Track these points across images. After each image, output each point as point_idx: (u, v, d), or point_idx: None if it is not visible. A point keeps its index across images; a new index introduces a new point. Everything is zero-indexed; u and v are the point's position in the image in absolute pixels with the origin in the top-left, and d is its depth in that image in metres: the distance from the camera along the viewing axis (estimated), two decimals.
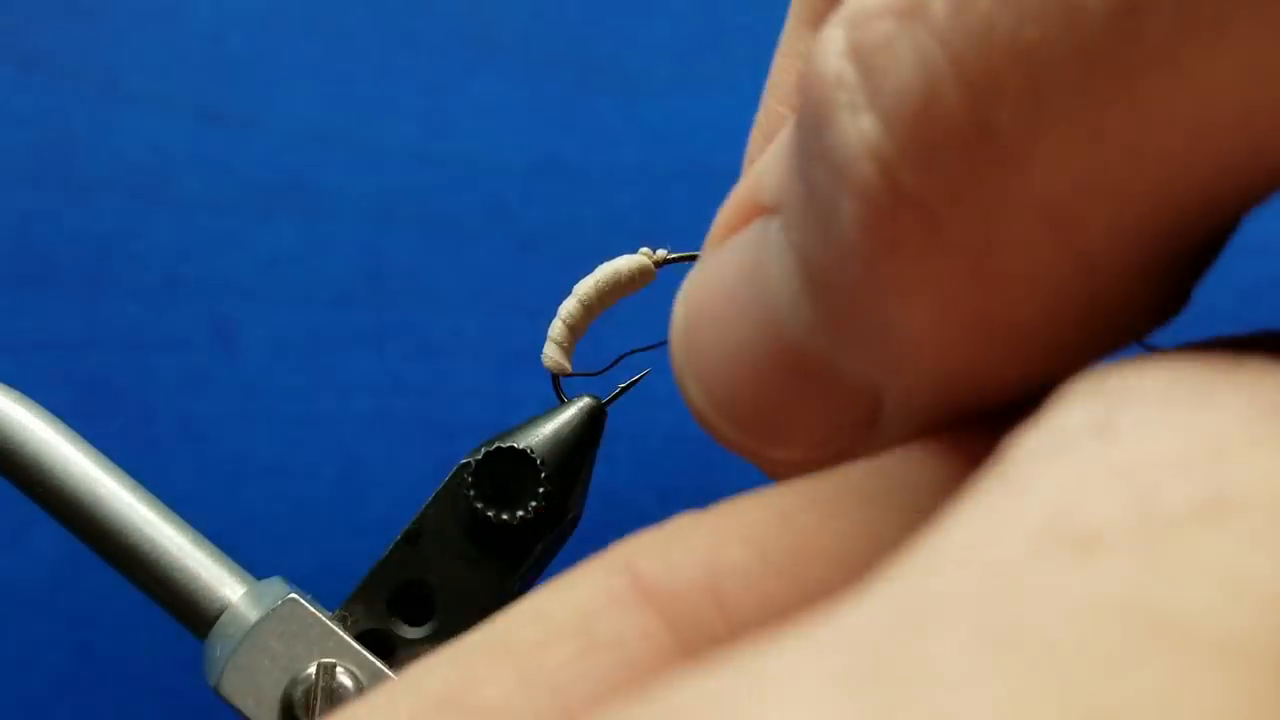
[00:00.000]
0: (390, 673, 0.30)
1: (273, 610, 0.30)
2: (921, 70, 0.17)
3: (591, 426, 0.32)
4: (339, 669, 0.29)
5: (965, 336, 0.18)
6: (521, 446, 0.31)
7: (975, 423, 0.19)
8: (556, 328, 0.34)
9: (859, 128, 0.18)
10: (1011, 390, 0.19)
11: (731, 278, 0.22)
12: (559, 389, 0.34)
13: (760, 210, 0.22)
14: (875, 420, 0.21)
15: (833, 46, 0.18)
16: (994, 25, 0.16)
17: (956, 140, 0.17)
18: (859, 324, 0.20)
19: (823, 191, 0.19)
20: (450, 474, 0.31)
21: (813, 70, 0.18)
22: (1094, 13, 0.15)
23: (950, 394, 0.19)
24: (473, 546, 0.31)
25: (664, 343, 0.24)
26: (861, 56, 0.18)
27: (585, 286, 0.34)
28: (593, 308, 0.34)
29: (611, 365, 0.34)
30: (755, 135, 0.28)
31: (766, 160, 0.22)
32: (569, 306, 0.34)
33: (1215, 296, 0.59)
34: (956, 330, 0.18)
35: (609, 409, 0.33)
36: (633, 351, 0.35)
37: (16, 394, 0.34)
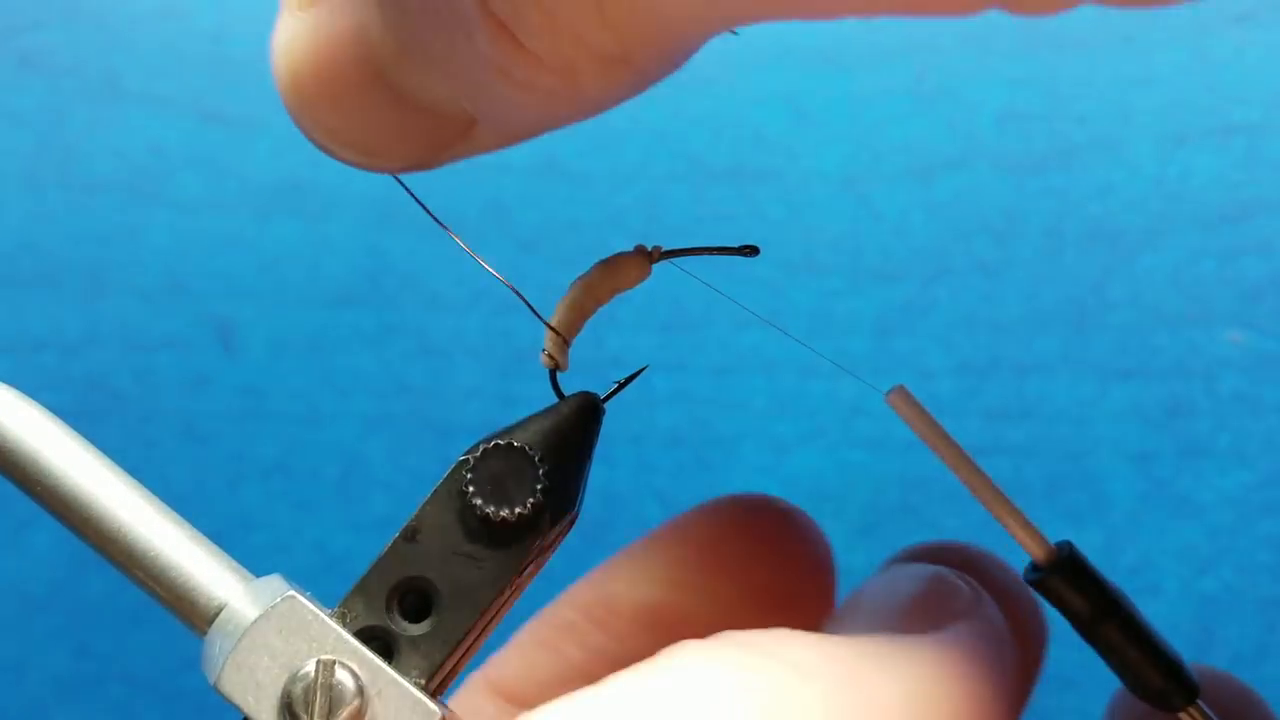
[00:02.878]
0: (389, 670, 0.30)
1: (272, 607, 0.30)
2: None
3: (589, 423, 0.32)
4: (338, 666, 0.29)
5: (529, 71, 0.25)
6: (519, 443, 0.31)
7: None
8: (553, 325, 0.34)
9: None
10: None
11: (331, 38, 0.28)
12: (556, 386, 0.34)
13: None
14: (470, 136, 0.29)
15: None
16: None
17: None
18: (444, 60, 0.26)
19: None
20: (448, 471, 0.31)
21: None
22: None
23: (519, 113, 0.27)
24: (471, 543, 0.31)
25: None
26: None
27: (581, 284, 0.34)
28: (589, 306, 0.34)
29: (627, 382, 0.34)
30: None
31: None
32: (565, 304, 0.34)
33: (1216, 296, 0.59)
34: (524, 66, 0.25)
35: (606, 406, 0.33)
36: (641, 370, 0.35)
37: (16, 394, 0.34)
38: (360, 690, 0.29)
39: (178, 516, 0.33)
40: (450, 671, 0.31)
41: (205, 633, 0.31)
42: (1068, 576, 0.33)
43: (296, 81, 0.29)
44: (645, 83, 0.27)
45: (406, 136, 0.29)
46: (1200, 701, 0.35)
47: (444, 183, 0.60)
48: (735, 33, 0.28)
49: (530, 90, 0.26)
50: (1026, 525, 0.33)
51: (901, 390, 0.34)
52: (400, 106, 0.28)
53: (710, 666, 0.25)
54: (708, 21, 0.25)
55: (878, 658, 0.27)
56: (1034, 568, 0.34)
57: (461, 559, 0.31)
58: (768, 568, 0.36)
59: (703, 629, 0.29)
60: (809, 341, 0.57)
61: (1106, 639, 0.34)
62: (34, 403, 0.34)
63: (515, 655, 0.36)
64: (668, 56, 0.27)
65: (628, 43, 0.25)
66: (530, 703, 0.33)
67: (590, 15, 0.24)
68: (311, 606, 0.30)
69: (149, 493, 0.33)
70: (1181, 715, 0.35)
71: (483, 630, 0.31)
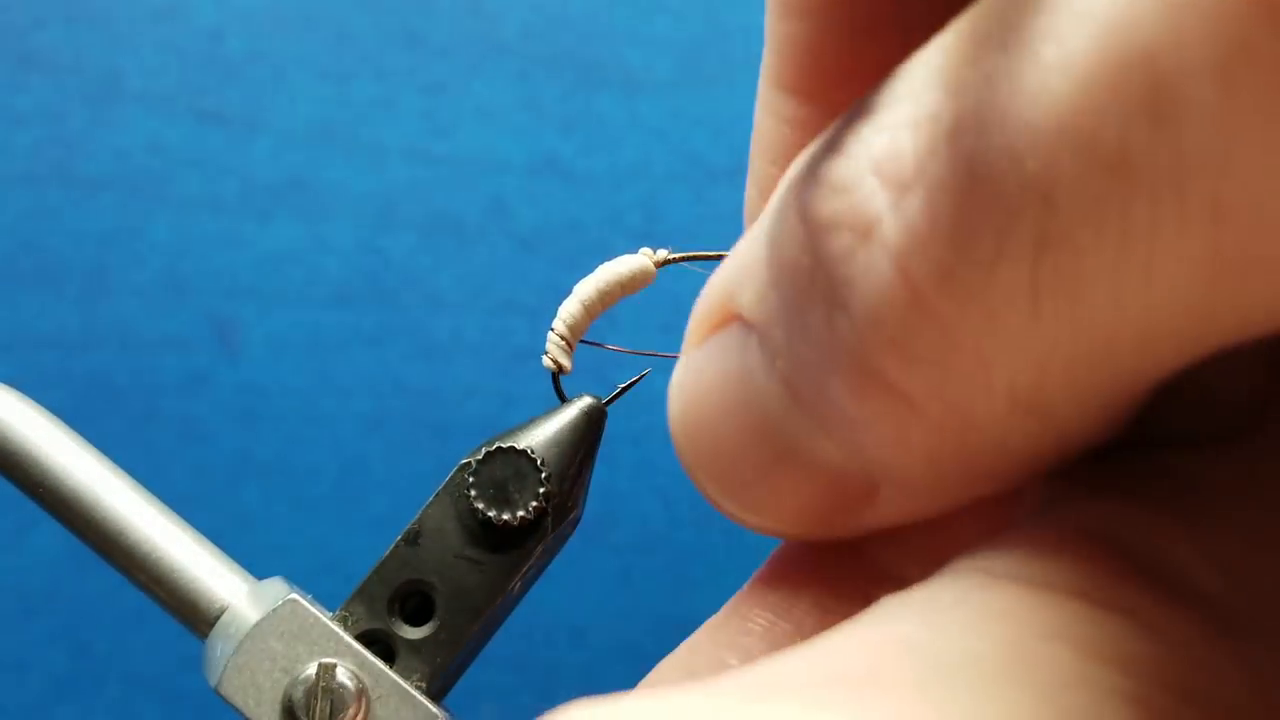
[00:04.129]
0: (391, 673, 0.30)
1: (273, 610, 0.30)
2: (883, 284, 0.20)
3: (592, 427, 0.32)
4: (339, 669, 0.29)
5: (932, 461, 0.22)
6: (522, 447, 0.31)
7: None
8: (557, 328, 0.34)
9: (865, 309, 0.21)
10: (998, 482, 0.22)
11: (717, 382, 0.25)
12: (559, 389, 0.34)
13: (736, 317, 0.25)
14: (874, 502, 0.24)
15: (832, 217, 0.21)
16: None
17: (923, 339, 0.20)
18: (840, 429, 0.23)
19: (813, 329, 0.22)
20: (450, 474, 0.31)
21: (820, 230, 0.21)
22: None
23: (934, 491, 0.23)
24: (473, 547, 0.31)
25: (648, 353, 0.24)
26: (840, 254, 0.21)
27: (585, 287, 0.34)
28: (593, 308, 0.34)
29: (630, 385, 0.34)
30: (750, 193, 0.30)
31: (740, 264, 0.24)
32: (569, 307, 0.34)
33: None
34: (921, 452, 0.22)
35: (609, 409, 0.33)
36: (643, 375, 0.35)
37: (16, 394, 0.34)
38: (361, 694, 0.29)
39: (179, 518, 0.33)
40: (452, 675, 0.31)
41: (206, 636, 0.31)
42: None
43: (684, 426, 0.26)
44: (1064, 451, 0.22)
45: (799, 496, 0.25)
46: None
47: (445, 182, 0.60)
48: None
49: (927, 463, 0.22)
50: None
51: None
52: (790, 463, 0.24)
53: None
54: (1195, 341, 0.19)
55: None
56: None
57: (463, 562, 0.31)
58: None
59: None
60: None
61: None
62: (34, 403, 0.34)
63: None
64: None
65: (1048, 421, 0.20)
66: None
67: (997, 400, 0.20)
68: (313, 610, 0.30)
69: (150, 494, 0.33)
70: None
71: (485, 634, 0.31)
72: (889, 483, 0.23)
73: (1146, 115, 0.17)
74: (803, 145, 0.24)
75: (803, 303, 0.22)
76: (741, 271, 0.24)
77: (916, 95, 0.20)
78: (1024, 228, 0.18)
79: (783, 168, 0.25)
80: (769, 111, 0.28)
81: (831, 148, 0.21)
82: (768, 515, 0.25)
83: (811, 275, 0.22)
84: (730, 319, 0.25)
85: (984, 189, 0.19)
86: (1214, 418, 0.23)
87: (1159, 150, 0.17)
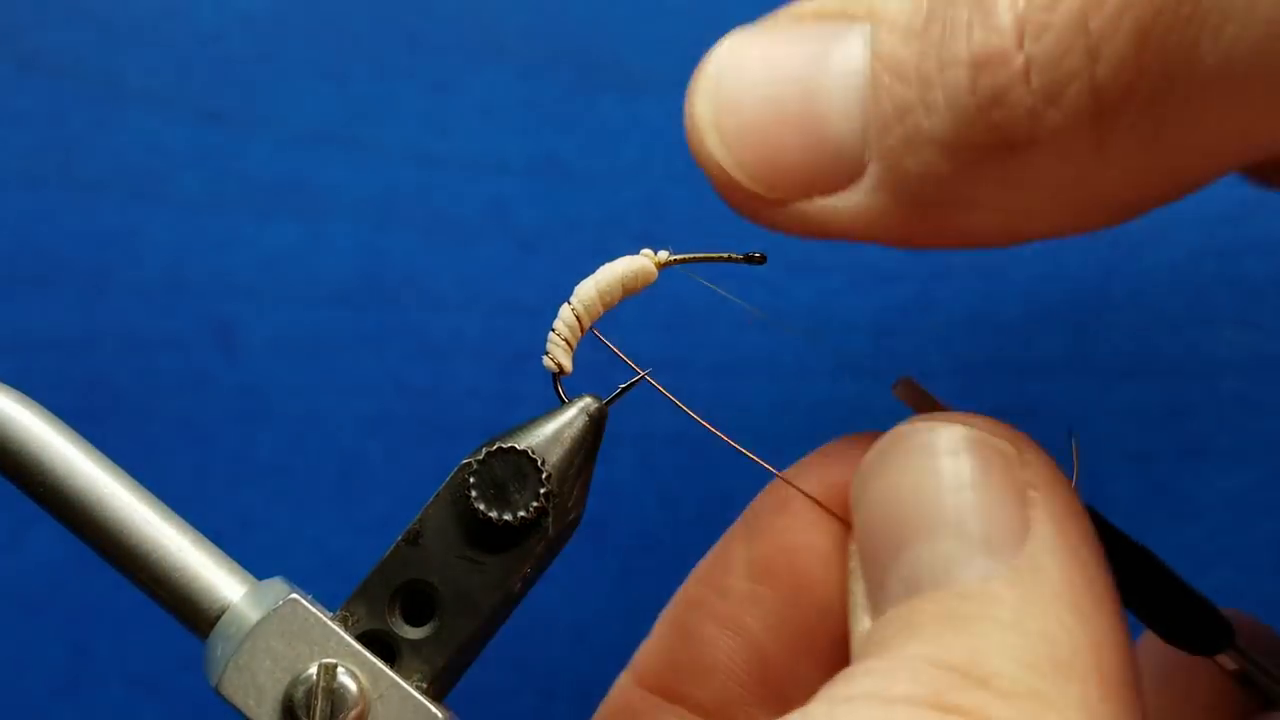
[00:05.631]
0: (391, 673, 0.30)
1: (274, 610, 0.30)
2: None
3: (592, 427, 0.32)
4: (340, 669, 0.29)
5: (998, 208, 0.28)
6: (522, 447, 0.31)
7: None
8: (557, 329, 0.34)
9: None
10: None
11: (791, 60, 0.29)
12: (560, 389, 0.34)
13: (846, 15, 0.29)
14: (858, 182, 0.29)
15: None
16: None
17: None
18: (904, 143, 0.27)
19: (952, 30, 0.26)
20: (451, 474, 0.31)
21: None
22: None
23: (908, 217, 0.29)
24: (473, 547, 0.31)
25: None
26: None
27: (586, 288, 0.34)
28: (594, 309, 0.34)
29: (630, 386, 0.34)
30: None
31: None
32: (570, 308, 0.34)
33: (1217, 296, 0.59)
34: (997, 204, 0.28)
35: (610, 409, 0.33)
36: (643, 375, 0.35)
37: (16, 394, 0.34)
38: (362, 694, 0.29)
39: (179, 518, 0.33)
40: (453, 675, 0.31)
41: (207, 635, 0.31)
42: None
43: (718, 83, 0.31)
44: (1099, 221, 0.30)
45: (807, 176, 0.30)
46: (1238, 643, 0.34)
47: (445, 182, 0.60)
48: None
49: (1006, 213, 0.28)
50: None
51: (908, 383, 0.34)
52: (821, 153, 0.29)
53: None
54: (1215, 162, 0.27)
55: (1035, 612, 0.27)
56: None
57: (464, 562, 0.31)
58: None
59: (806, 573, 0.32)
60: (808, 341, 0.57)
61: (1131, 584, 0.33)
62: (35, 403, 0.34)
63: (653, 645, 0.36)
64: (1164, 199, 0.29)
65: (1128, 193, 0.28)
66: (675, 690, 0.34)
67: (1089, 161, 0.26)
68: (313, 610, 0.30)
69: (150, 494, 0.33)
70: (1217, 659, 0.34)
71: (485, 634, 0.31)
72: (885, 186, 0.28)
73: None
74: None
75: (944, 26, 0.26)
76: None
77: None
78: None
79: None
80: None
81: None
82: (769, 193, 0.30)
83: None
84: (838, 15, 0.29)
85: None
86: None
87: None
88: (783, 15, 0.30)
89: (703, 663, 0.34)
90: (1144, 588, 0.33)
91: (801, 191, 0.29)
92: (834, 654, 0.32)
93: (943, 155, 0.27)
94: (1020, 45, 0.25)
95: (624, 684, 0.36)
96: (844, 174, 0.29)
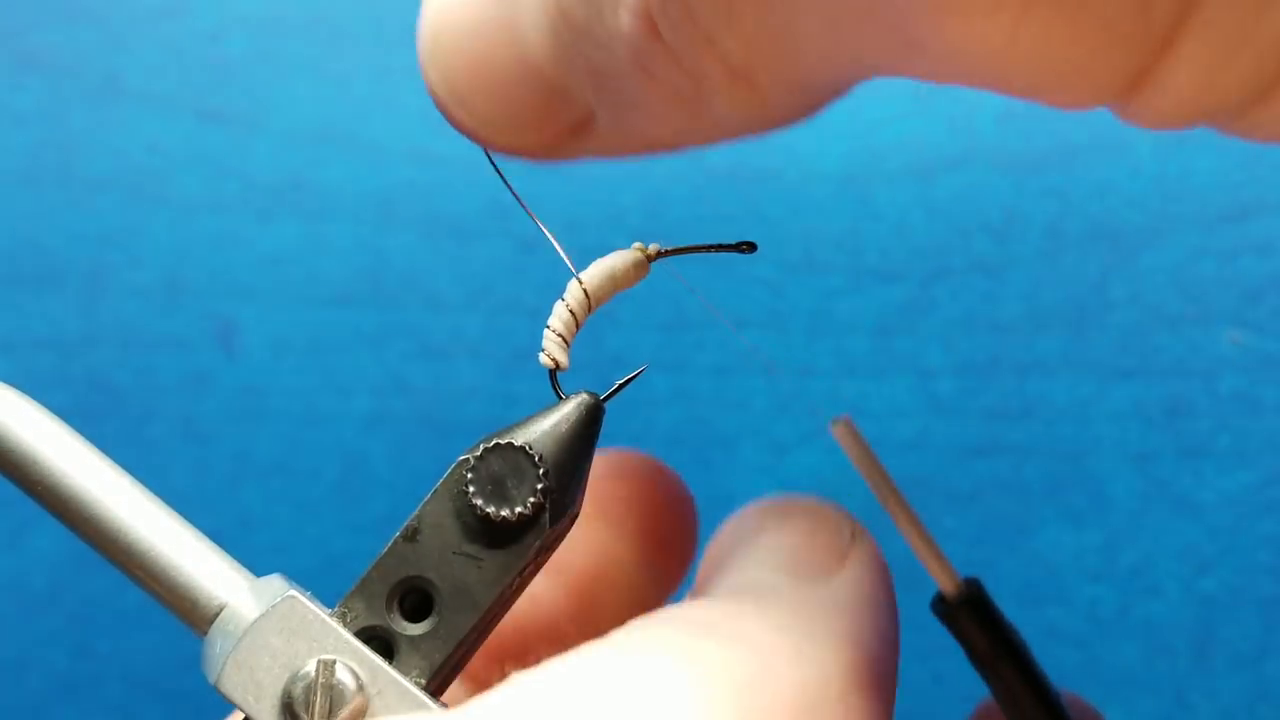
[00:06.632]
0: (390, 670, 0.30)
1: (272, 607, 0.30)
2: None
3: (589, 423, 0.32)
4: (338, 665, 0.29)
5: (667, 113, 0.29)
6: (520, 443, 0.31)
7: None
8: (553, 325, 0.34)
9: None
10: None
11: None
12: (556, 385, 0.34)
13: None
14: (589, 131, 0.31)
15: None
16: None
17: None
18: (589, 67, 0.28)
19: None
20: (449, 471, 0.31)
21: None
22: None
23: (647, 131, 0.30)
24: (471, 543, 0.31)
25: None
26: None
27: (579, 283, 0.34)
28: (588, 304, 0.34)
29: (627, 382, 0.34)
30: None
31: None
32: (564, 303, 0.34)
33: (1217, 296, 0.59)
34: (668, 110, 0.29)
35: (606, 405, 0.33)
36: (641, 371, 0.35)
37: (16, 394, 0.34)
38: (360, 690, 0.29)
39: (178, 516, 0.33)
40: (451, 671, 0.31)
41: (206, 633, 0.31)
42: (973, 612, 0.35)
43: (434, 32, 0.32)
44: (768, 119, 0.29)
45: (526, 109, 0.31)
46: None
47: (445, 182, 0.60)
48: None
49: (658, 86, 0.28)
50: (939, 557, 0.34)
51: (846, 423, 0.35)
52: (530, 78, 0.30)
53: (673, 658, 0.26)
54: (832, 63, 0.27)
55: (810, 620, 0.29)
56: (941, 599, 0.35)
57: (462, 559, 0.31)
58: (639, 515, 0.39)
59: (595, 575, 0.34)
60: (806, 341, 0.57)
61: (1002, 678, 0.35)
62: (34, 403, 0.34)
63: None
64: (792, 91, 0.28)
65: (754, 57, 0.27)
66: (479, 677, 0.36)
67: (721, 15, 0.26)
68: (312, 606, 0.30)
69: (149, 492, 0.33)
70: None
71: (483, 630, 0.31)
72: (610, 111, 0.29)
73: None
74: None
75: None
76: None
77: None
78: None
79: None
80: None
81: None
82: (493, 124, 0.32)
83: None
84: None
85: None
86: None
87: None
88: None
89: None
90: (1015, 685, 0.35)
91: (542, 142, 0.31)
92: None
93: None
94: None
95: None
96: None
